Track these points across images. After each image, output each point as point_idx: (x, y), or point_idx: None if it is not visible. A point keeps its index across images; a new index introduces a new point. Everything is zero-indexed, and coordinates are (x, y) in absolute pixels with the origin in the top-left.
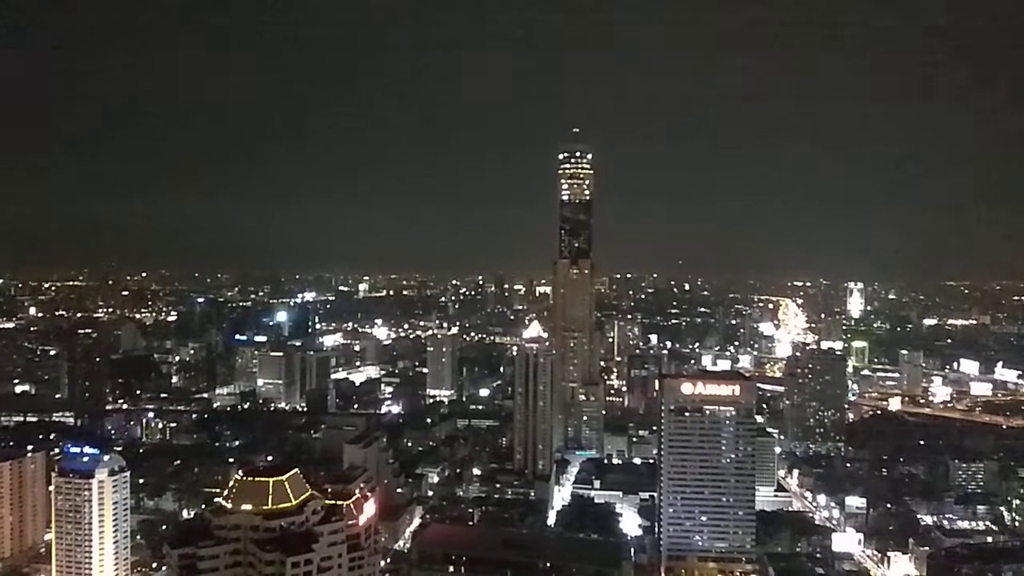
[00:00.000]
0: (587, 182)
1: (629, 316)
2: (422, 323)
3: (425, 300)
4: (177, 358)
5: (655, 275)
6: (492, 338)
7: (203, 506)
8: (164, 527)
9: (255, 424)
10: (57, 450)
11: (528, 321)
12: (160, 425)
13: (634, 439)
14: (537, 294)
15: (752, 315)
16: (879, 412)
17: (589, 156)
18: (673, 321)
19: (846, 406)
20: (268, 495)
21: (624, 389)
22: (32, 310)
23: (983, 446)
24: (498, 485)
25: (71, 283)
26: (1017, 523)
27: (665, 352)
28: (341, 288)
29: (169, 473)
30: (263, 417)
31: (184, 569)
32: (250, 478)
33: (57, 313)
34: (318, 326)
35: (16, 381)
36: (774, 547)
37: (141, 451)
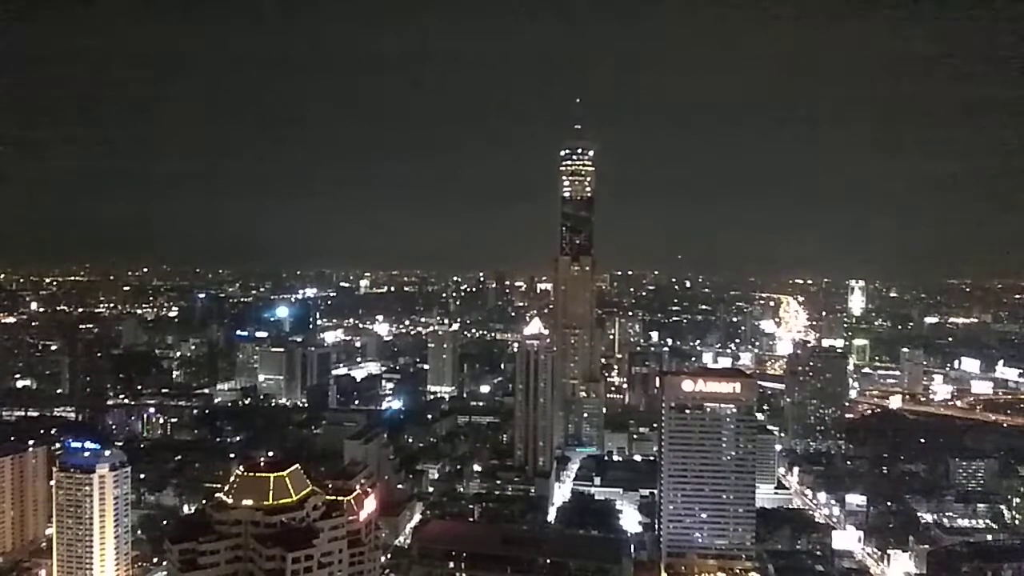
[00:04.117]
0: (588, 179)
1: (630, 313)
2: (423, 319)
3: (426, 296)
4: (178, 354)
5: (656, 272)
6: (493, 335)
7: (204, 501)
8: (165, 522)
9: (256, 420)
10: (58, 445)
11: (529, 318)
12: (161, 420)
13: (635, 436)
14: (538, 291)
15: (753, 313)
16: (880, 410)
17: (591, 153)
18: (674, 318)
19: (847, 404)
20: (269, 491)
21: (625, 386)
22: (33, 305)
23: (984, 444)
24: (498, 481)
25: (72, 278)
26: (1017, 521)
27: (666, 349)
28: (342, 284)
29: (170, 468)
30: (264, 413)
31: (185, 564)
32: (251, 473)
33: (58, 308)
34: (319, 322)
35: (17, 376)
36: (774, 544)
37: (142, 446)
